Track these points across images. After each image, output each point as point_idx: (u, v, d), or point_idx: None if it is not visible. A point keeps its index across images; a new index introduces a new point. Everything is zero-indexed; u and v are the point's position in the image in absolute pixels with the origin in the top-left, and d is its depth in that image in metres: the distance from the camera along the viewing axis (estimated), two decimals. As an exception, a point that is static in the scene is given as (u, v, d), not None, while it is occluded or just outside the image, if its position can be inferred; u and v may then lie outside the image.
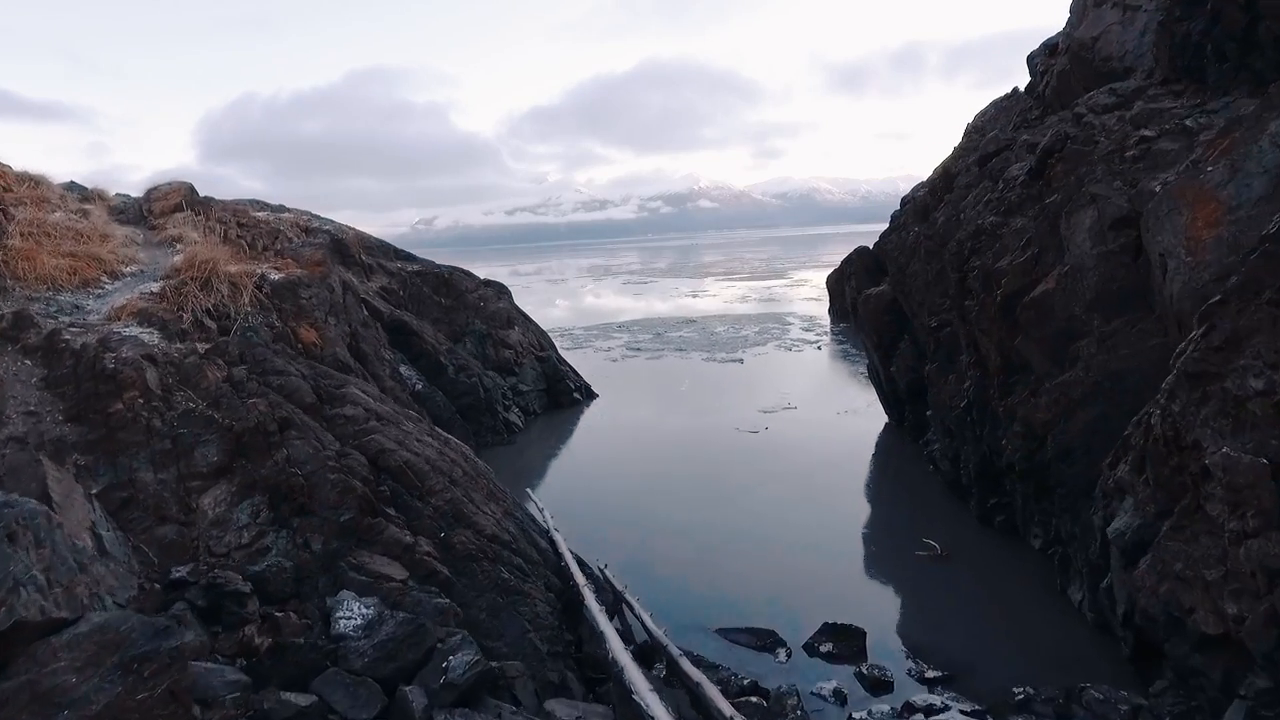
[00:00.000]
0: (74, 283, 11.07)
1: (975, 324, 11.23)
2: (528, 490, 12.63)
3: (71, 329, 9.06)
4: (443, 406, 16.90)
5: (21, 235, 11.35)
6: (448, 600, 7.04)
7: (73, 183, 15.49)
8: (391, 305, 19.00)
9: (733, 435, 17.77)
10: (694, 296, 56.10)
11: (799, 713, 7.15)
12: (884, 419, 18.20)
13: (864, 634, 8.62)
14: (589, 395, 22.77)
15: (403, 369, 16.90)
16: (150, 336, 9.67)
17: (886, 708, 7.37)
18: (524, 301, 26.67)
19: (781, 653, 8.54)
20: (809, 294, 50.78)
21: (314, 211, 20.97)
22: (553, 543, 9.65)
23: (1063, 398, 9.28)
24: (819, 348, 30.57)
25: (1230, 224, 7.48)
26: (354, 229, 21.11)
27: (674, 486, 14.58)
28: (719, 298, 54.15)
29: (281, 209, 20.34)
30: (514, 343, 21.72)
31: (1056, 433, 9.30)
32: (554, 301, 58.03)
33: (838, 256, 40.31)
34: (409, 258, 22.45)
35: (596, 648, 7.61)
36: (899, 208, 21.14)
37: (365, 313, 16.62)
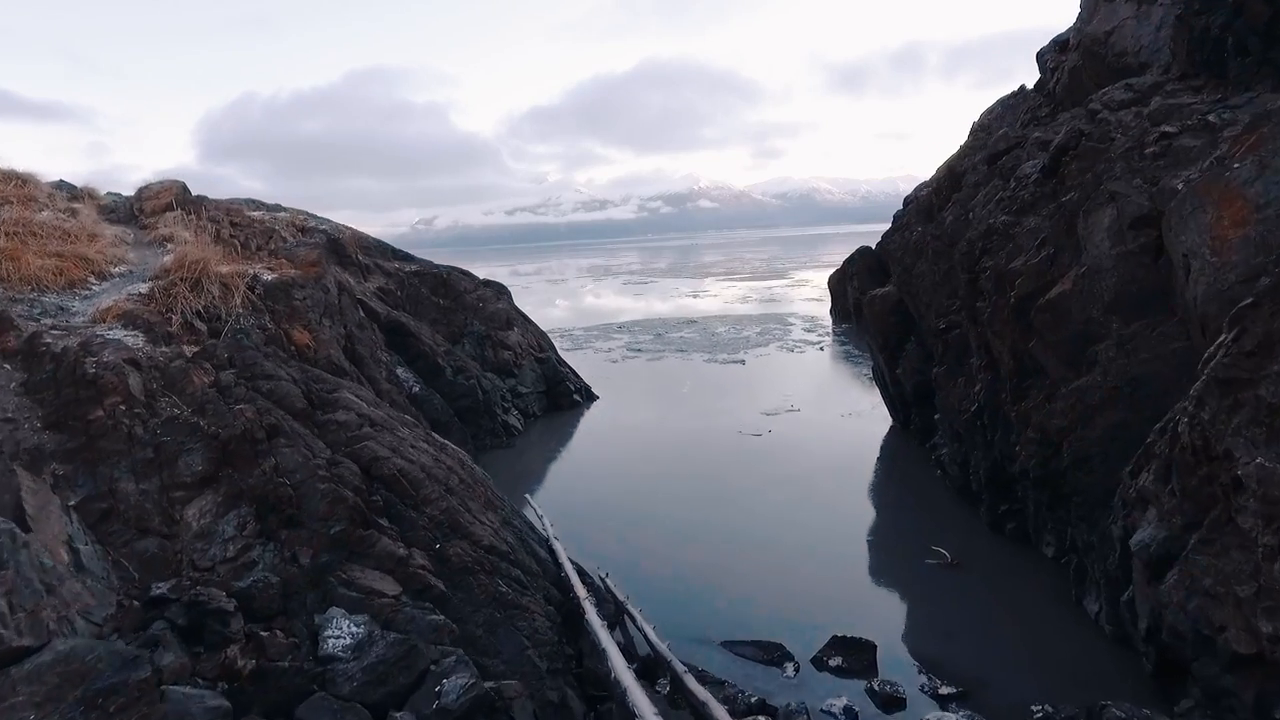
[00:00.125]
0: (60, 284, 10.76)
1: (987, 326, 10.92)
2: (526, 496, 12.34)
3: (53, 332, 8.73)
4: (440, 409, 16.58)
5: (6, 234, 11.05)
6: (442, 617, 6.72)
7: (62, 181, 15.18)
8: (389, 306, 18.67)
9: (735, 438, 17.46)
10: (694, 297, 55.73)
11: (809, 733, 6.86)
12: (889, 422, 17.90)
13: (874, 647, 8.31)
14: (589, 397, 22.44)
15: (400, 371, 16.59)
16: (135, 340, 9.36)
17: (901, 728, 7.08)
18: (523, 302, 26.36)
19: (789, 667, 8.22)
20: (810, 294, 50.43)
21: (314, 211, 20.69)
22: (552, 551, 9.36)
23: (1079, 403, 8.96)
24: (821, 349, 30.26)
25: (1258, 223, 7.17)
26: (351, 229, 20.80)
27: (676, 490, 14.28)
28: (719, 298, 53.78)
29: (278, 208, 20.05)
30: (513, 344, 21.40)
31: (1073, 439, 8.98)
32: (554, 302, 57.66)
33: (838, 257, 40.01)
34: (407, 258, 22.14)
35: (598, 664, 7.30)
36: (901, 207, 20.84)
37: (361, 314, 16.30)
